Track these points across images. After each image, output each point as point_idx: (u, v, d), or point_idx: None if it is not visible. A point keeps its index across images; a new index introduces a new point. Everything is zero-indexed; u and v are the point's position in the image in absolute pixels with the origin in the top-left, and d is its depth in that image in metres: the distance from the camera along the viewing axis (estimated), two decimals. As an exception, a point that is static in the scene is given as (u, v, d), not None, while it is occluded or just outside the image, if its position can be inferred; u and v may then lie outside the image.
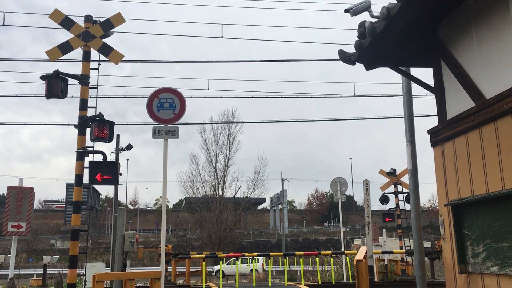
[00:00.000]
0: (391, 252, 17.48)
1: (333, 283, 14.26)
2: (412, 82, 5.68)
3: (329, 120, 36.49)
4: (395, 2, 3.95)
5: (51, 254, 33.41)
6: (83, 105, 8.48)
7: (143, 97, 16.97)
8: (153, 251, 35.89)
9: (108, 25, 8.79)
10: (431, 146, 4.85)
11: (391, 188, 19.67)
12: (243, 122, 45.68)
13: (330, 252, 15.99)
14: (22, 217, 9.98)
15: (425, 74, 5.62)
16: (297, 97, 19.65)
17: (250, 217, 60.48)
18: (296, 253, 16.61)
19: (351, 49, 5.12)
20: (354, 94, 18.18)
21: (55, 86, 8.38)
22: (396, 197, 19.44)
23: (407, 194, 18.65)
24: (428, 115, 16.73)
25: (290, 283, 14.90)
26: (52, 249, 47.49)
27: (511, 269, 3.57)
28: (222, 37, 14.42)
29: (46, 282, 19.77)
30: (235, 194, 41.08)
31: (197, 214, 41.26)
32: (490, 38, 3.97)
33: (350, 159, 68.11)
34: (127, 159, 59.31)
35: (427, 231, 53.95)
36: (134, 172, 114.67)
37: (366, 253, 9.16)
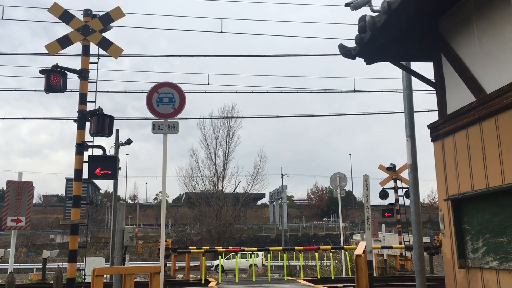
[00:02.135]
0: (390, 247, 17.53)
1: (333, 278, 14.30)
2: (412, 77, 5.66)
3: (329, 116, 36.55)
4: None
5: (50, 249, 33.46)
6: (83, 99, 8.46)
7: (142, 92, 16.94)
8: (152, 245, 35.95)
9: (107, 19, 8.76)
10: (431, 141, 4.84)
11: (391, 184, 19.71)
12: (243, 117, 45.69)
13: (330, 247, 16.02)
14: (22, 211, 9.98)
15: (426, 69, 5.61)
16: (297, 92, 19.62)
17: (250, 212, 60.61)
18: (296, 248, 16.64)
19: (351, 44, 5.10)
20: (354, 89, 18.14)
21: (54, 80, 8.37)
22: (396, 192, 19.48)
23: (406, 189, 18.69)
24: (428, 111, 16.71)
25: (290, 278, 14.93)
26: (51, 244, 47.58)
27: (511, 264, 3.57)
28: (222, 31, 14.39)
29: (45, 277, 19.79)
30: (234, 189, 41.16)
31: (197, 209, 41.32)
32: (491, 33, 3.95)
33: (350, 154, 68.08)
34: (127, 154, 59.42)
35: (426, 226, 54.12)
36: (134, 167, 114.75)
37: (365, 248, 9.17)
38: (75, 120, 8.46)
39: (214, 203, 37.86)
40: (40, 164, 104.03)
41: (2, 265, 30.56)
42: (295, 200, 73.50)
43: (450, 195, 4.40)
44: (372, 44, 4.64)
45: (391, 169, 19.50)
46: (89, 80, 8.60)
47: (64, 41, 8.53)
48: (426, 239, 24.31)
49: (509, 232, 3.59)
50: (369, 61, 5.14)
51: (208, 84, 24.33)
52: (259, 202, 67.57)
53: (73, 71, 8.58)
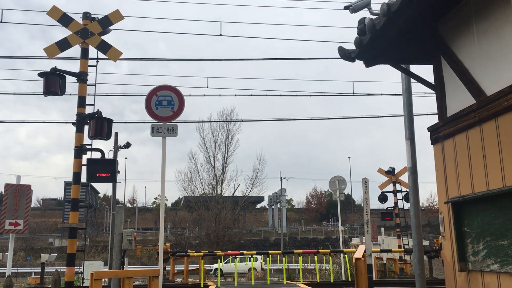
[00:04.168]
0: (389, 251, 17.48)
1: (332, 281, 14.25)
2: (412, 80, 5.66)
3: (328, 119, 36.47)
4: (396, -2, 3.92)
5: (49, 252, 33.36)
6: (81, 102, 8.44)
7: (141, 95, 16.95)
8: (151, 249, 35.87)
9: (106, 22, 8.75)
10: (431, 144, 4.82)
11: (390, 187, 19.67)
12: (242, 121, 45.66)
13: (329, 250, 15.97)
14: (20, 214, 9.94)
15: (425, 72, 5.61)
16: (296, 95, 19.64)
17: (249, 215, 60.56)
18: (295, 251, 16.58)
19: (351, 47, 5.10)
20: (353, 93, 18.17)
21: (53, 83, 8.35)
22: (395, 195, 19.43)
23: (405, 192, 18.65)
24: (427, 114, 16.72)
25: (289, 281, 14.87)
26: (50, 248, 47.43)
27: (512, 267, 3.55)
28: (221, 35, 14.41)
29: (44, 280, 19.73)
30: (233, 193, 41.10)
31: (196, 213, 41.22)
32: (491, 35, 3.94)
33: (349, 158, 67.75)
34: (126, 158, 59.24)
35: (425, 230, 54.05)
36: (133, 171, 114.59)
37: (365, 251, 9.14)
38: (73, 123, 8.43)
39: (213, 206, 37.78)
40: (38, 167, 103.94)
41: (0, 268, 30.46)
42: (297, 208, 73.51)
43: (450, 198, 4.39)
44: (372, 46, 4.64)
45: (390, 172, 19.46)
46: (87, 83, 8.59)
47: (63, 44, 8.51)
48: (425, 243, 24.24)
49: (510, 235, 3.57)
50: (368, 64, 5.12)
51: (207, 87, 24.29)
52: (258, 206, 67.48)
53: (72, 74, 8.56)
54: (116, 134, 23.54)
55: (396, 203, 19.35)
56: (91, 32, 8.58)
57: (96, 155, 8.40)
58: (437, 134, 4.71)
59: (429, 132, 4.84)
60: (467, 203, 4.13)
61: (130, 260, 33.59)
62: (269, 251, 16.92)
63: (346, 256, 16.40)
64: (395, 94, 17.99)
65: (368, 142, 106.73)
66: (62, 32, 8.75)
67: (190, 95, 17.94)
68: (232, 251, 21.13)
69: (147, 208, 74.41)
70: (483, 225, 3.91)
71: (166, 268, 15.13)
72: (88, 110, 8.50)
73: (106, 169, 8.16)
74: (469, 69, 4.22)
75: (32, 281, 23.83)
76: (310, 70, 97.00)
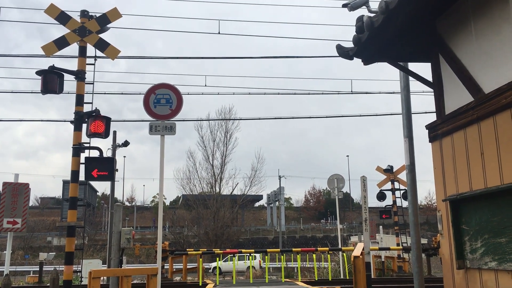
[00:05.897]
0: (388, 249, 17.50)
1: (330, 279, 14.26)
2: (410, 78, 5.66)
3: (326, 117, 36.50)
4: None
5: (47, 251, 33.31)
6: (79, 100, 8.44)
7: (139, 94, 16.93)
8: (150, 248, 35.86)
9: (104, 20, 8.74)
10: (429, 141, 4.83)
11: (388, 185, 19.70)
12: (240, 119, 45.70)
13: (327, 248, 15.99)
14: (18, 213, 9.94)
15: (423, 70, 5.61)
16: (294, 93, 19.63)
17: (247, 214, 60.55)
18: (293, 249, 16.59)
19: (349, 45, 5.09)
20: (352, 91, 18.17)
21: (51, 81, 8.35)
22: (393, 194, 19.46)
23: (404, 191, 18.68)
24: (426, 112, 16.75)
25: (287, 279, 14.89)
26: (48, 246, 47.38)
27: (509, 264, 3.55)
28: (219, 33, 14.38)
29: (42, 279, 19.70)
30: (232, 191, 41.14)
31: (194, 211, 41.25)
32: (489, 32, 3.94)
33: (347, 156, 67.68)
34: (124, 156, 59.18)
35: (424, 228, 54.10)
36: (131, 169, 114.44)
37: (363, 249, 9.15)
38: (71, 122, 8.43)
39: (211, 205, 37.81)
40: (37, 166, 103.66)
41: (-2, 267, 30.41)
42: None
43: (448, 196, 4.39)
44: (370, 44, 4.63)
45: (389, 170, 19.50)
46: (85, 82, 8.58)
47: (61, 42, 8.50)
48: (423, 241, 24.28)
49: (508, 232, 3.58)
50: (366, 62, 5.12)
51: (205, 85, 24.27)
52: (257, 204, 67.53)
53: (70, 72, 8.56)
54: (114, 132, 23.51)
55: (394, 201, 19.39)
56: (89, 30, 8.57)
57: (94, 153, 8.41)
58: (435, 132, 4.71)
59: (427, 130, 4.85)
60: (465, 201, 4.13)
61: (129, 259, 33.59)
62: (268, 250, 16.95)
63: (344, 254, 16.41)
64: (393, 93, 18.00)
65: (367, 140, 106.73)
66: (60, 31, 8.79)
67: (188, 94, 17.92)
68: (230, 250, 21.14)
69: (146, 206, 74.33)
70: (481, 223, 3.91)
71: (165, 267, 15.14)
72: (86, 108, 8.51)
73: (104, 167, 8.17)
74: (467, 67, 4.23)
75: (30, 280, 23.84)
76: (309, 68, 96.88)
